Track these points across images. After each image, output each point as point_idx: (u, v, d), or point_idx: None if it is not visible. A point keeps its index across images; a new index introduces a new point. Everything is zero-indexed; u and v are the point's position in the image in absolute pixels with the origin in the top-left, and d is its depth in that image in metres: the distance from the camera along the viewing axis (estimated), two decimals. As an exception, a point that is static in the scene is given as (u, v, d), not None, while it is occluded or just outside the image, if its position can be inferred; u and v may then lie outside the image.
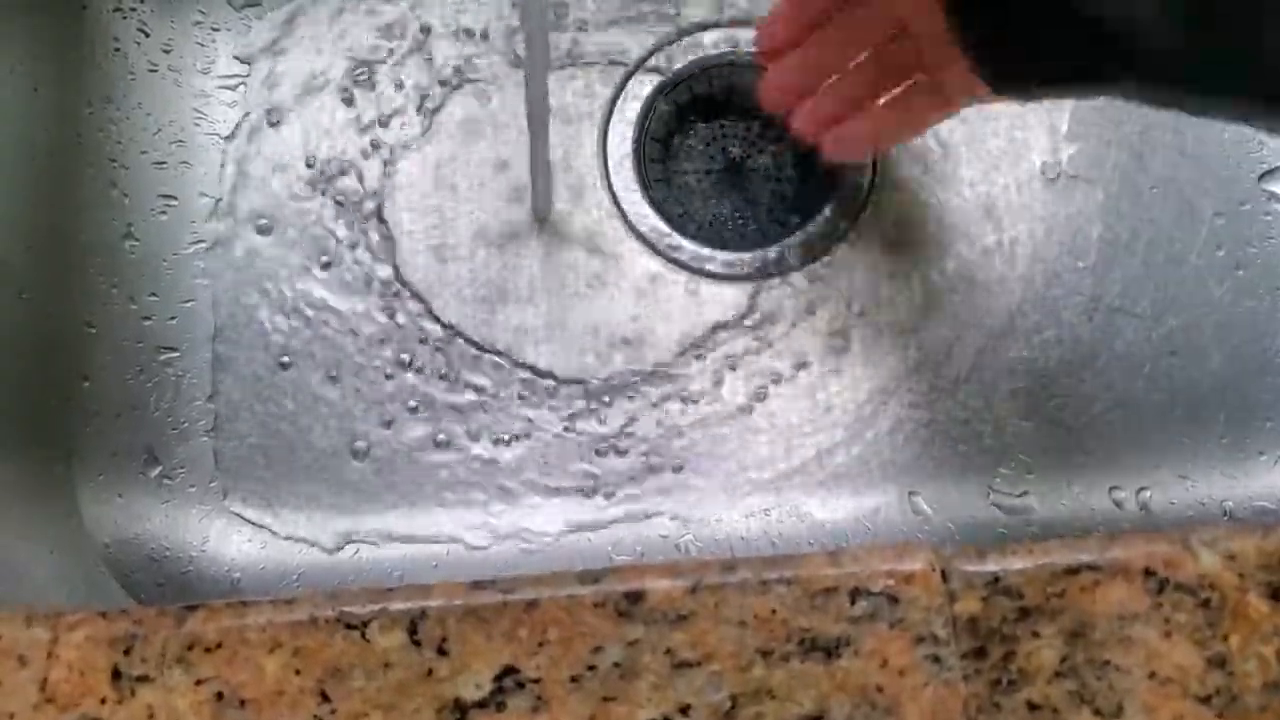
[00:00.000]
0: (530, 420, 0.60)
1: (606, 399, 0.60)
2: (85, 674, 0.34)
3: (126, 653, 0.34)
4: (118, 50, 0.62)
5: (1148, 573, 0.34)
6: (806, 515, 0.59)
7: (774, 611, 0.34)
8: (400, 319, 0.61)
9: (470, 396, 0.61)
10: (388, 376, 0.61)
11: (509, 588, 0.34)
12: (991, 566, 0.34)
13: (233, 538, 0.60)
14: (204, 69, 0.64)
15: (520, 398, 0.60)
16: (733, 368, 0.61)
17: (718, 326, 0.61)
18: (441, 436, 0.60)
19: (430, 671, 0.34)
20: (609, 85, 0.64)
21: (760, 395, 0.60)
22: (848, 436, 0.60)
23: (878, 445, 0.60)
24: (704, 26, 0.64)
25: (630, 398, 0.60)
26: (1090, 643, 0.34)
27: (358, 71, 0.64)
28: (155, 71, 0.63)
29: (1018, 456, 0.60)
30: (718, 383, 0.60)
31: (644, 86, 0.63)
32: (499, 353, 0.61)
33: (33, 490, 0.55)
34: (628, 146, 0.63)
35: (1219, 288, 0.61)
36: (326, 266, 0.62)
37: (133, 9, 0.63)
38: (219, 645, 0.34)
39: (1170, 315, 0.61)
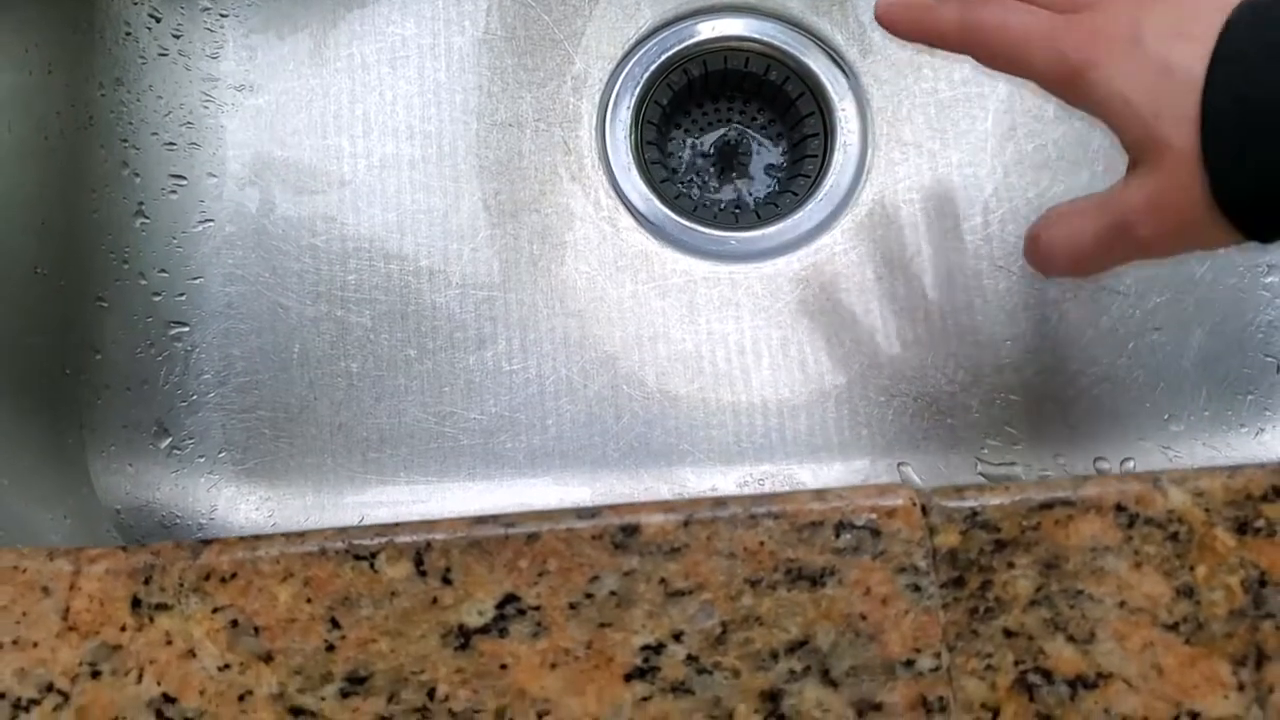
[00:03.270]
0: (529, 396, 0.62)
1: (599, 375, 0.62)
2: (105, 603, 0.35)
3: (145, 583, 0.35)
4: (129, 35, 0.64)
5: (1119, 508, 0.36)
6: (799, 485, 0.61)
7: (762, 544, 0.35)
8: (407, 294, 0.63)
9: (475, 376, 0.62)
10: (395, 350, 0.62)
11: (510, 522, 0.36)
12: (969, 502, 0.36)
13: (240, 506, 0.61)
14: (213, 54, 0.66)
15: (517, 372, 0.62)
16: (726, 342, 0.62)
17: (710, 302, 0.62)
18: (448, 410, 0.62)
19: (435, 600, 0.35)
20: (606, 68, 0.65)
21: (753, 369, 0.62)
22: (838, 409, 0.62)
23: (869, 417, 0.62)
24: (702, 11, 0.66)
25: (626, 370, 0.62)
26: (1064, 573, 0.35)
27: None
28: (165, 56, 0.65)
29: (1005, 428, 0.62)
30: (712, 356, 0.62)
31: (641, 69, 0.65)
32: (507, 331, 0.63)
33: (47, 460, 0.57)
34: (625, 128, 0.64)
35: (1200, 266, 0.63)
36: (334, 243, 0.63)
37: (144, -5, 0.64)
38: (233, 575, 0.35)
39: (1153, 293, 0.63)
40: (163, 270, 0.63)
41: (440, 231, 0.64)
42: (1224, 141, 0.37)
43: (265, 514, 0.61)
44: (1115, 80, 0.39)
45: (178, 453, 0.61)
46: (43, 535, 0.53)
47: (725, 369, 0.62)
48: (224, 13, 0.66)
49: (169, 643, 0.35)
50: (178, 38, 0.65)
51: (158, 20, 0.65)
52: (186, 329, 0.63)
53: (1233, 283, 0.63)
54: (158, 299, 0.62)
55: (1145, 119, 0.39)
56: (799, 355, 0.62)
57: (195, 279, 0.63)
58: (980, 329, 0.62)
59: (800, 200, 0.64)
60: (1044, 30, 0.42)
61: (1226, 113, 0.37)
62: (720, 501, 0.36)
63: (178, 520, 0.60)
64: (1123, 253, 0.43)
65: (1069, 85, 0.42)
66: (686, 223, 0.64)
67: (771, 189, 0.66)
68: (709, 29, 0.66)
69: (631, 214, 0.64)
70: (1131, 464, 0.61)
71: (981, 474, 0.61)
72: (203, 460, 0.62)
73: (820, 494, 0.36)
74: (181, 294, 0.63)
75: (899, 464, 0.61)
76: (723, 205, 0.66)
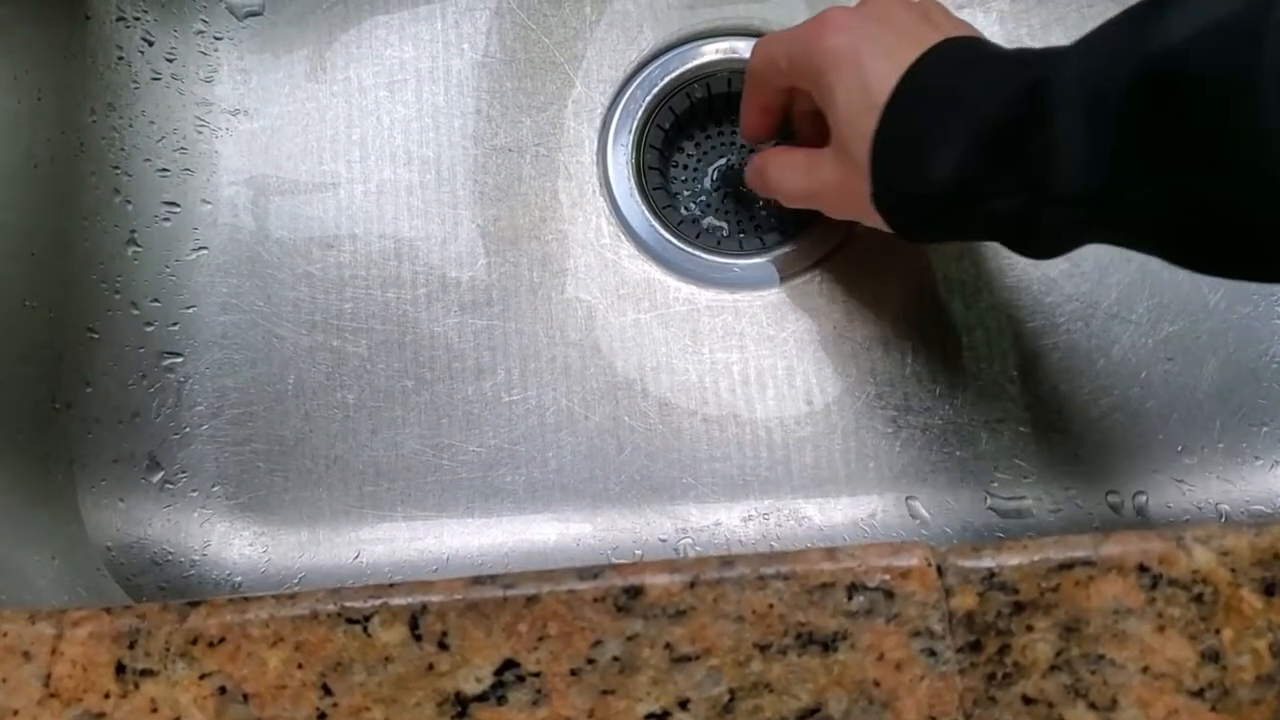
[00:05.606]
0: (529, 428, 0.61)
1: (601, 406, 0.61)
2: (89, 669, 0.34)
3: (130, 647, 0.34)
4: (121, 59, 0.63)
5: (1141, 568, 0.35)
6: (805, 519, 0.60)
7: (771, 606, 0.34)
8: (405, 323, 0.62)
9: (474, 408, 0.61)
10: (392, 381, 0.61)
11: (509, 583, 0.35)
12: (986, 562, 0.35)
13: (234, 542, 0.60)
14: (206, 78, 0.65)
15: (517, 403, 0.61)
16: (730, 372, 0.61)
17: (714, 331, 0.61)
18: (446, 443, 0.60)
19: (431, 665, 0.34)
20: (608, 91, 0.64)
21: (757, 399, 0.61)
22: (845, 441, 0.60)
23: (875, 449, 0.60)
24: (705, 33, 0.64)
25: (628, 401, 0.61)
26: (1084, 637, 0.34)
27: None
28: (159, 80, 0.64)
29: (1015, 461, 0.60)
30: (715, 386, 0.61)
31: (643, 92, 0.64)
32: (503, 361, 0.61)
33: (35, 495, 0.56)
34: (626, 153, 0.63)
35: (1214, 294, 0.62)
36: (330, 271, 0.62)
37: (136, 18, 0.63)
38: (222, 640, 0.34)
39: (1166, 321, 0.62)
40: (155, 300, 0.61)
41: (438, 259, 0.62)
42: (879, 170, 0.47)
43: (259, 550, 0.60)
44: (836, 89, 0.48)
45: (170, 487, 0.60)
46: (29, 576, 0.52)
47: (729, 400, 0.61)
48: (218, 35, 0.65)
49: (154, 710, 0.34)
50: (171, 61, 0.64)
51: (150, 44, 0.63)
52: (179, 360, 0.61)
53: (1247, 311, 0.62)
54: (150, 329, 0.61)
55: (842, 126, 0.48)
56: (804, 386, 0.61)
57: (188, 308, 0.62)
58: (988, 359, 0.61)
59: (805, 225, 0.63)
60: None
61: (885, 146, 0.46)
62: (728, 561, 0.35)
63: (169, 557, 0.59)
64: (817, 206, 0.55)
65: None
66: (689, 249, 0.62)
67: (775, 212, 0.64)
68: (712, 51, 0.64)
69: (633, 241, 0.62)
70: (1144, 498, 0.60)
71: (991, 508, 0.60)
72: (195, 495, 0.60)
73: (831, 553, 0.35)
74: (174, 324, 0.62)
75: (907, 497, 0.60)
76: (726, 231, 0.64)
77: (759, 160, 0.58)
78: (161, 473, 0.60)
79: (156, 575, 0.58)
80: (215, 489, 0.60)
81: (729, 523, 0.60)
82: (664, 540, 0.59)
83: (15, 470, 0.55)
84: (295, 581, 0.59)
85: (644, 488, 0.60)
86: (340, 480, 0.60)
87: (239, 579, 0.59)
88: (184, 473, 0.60)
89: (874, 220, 0.49)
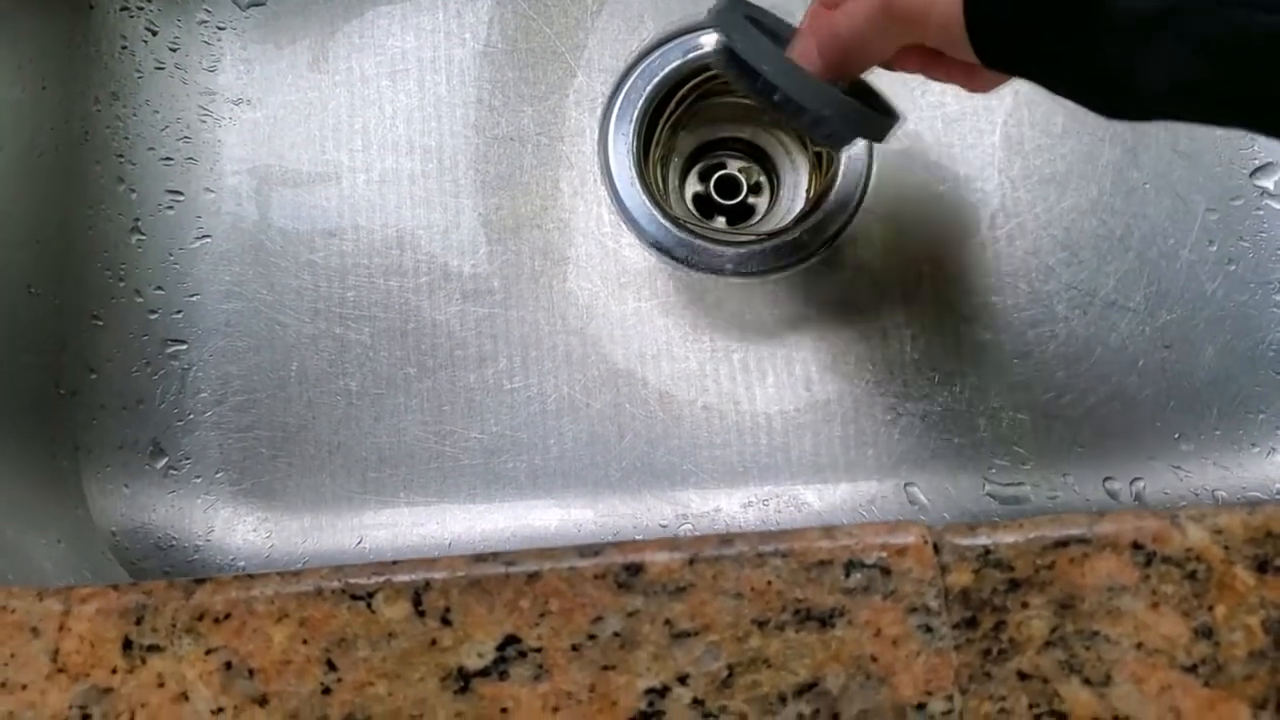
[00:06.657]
0: (531, 415, 0.61)
1: (602, 394, 0.61)
2: (96, 645, 0.35)
3: (137, 623, 0.35)
4: (125, 48, 0.63)
5: (1136, 546, 0.35)
6: (804, 505, 0.60)
7: (770, 583, 0.35)
8: (407, 310, 0.62)
9: (476, 395, 0.61)
10: (395, 368, 0.61)
11: (511, 560, 0.35)
12: (982, 540, 0.35)
13: (237, 528, 0.60)
14: (210, 67, 0.65)
15: (519, 390, 0.61)
16: (730, 359, 0.61)
17: (714, 319, 0.62)
18: (449, 430, 0.61)
19: (434, 641, 0.34)
20: (609, 81, 0.64)
21: (757, 386, 0.61)
22: (844, 428, 0.61)
23: (874, 436, 0.61)
24: (705, 24, 0.65)
25: (628, 388, 0.61)
26: (1079, 614, 0.34)
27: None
28: (162, 69, 0.64)
29: (1013, 448, 0.61)
30: (715, 374, 0.61)
31: (644, 81, 0.64)
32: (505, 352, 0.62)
33: (41, 481, 0.56)
34: (627, 142, 0.64)
35: (1211, 282, 0.62)
36: (333, 259, 0.63)
37: (140, 8, 0.63)
38: (227, 616, 0.35)
39: (1163, 309, 0.62)
40: (159, 287, 0.62)
41: (440, 247, 0.63)
42: None
43: (263, 535, 0.60)
44: None
45: (174, 473, 0.61)
46: (35, 561, 0.52)
47: (729, 387, 0.61)
48: (221, 25, 0.65)
49: (161, 685, 0.34)
50: (174, 51, 0.64)
51: (154, 33, 0.64)
52: (184, 347, 0.62)
53: (1243, 299, 0.62)
54: (154, 317, 0.62)
55: None
56: (803, 373, 0.61)
57: (192, 296, 0.62)
58: (987, 346, 0.61)
59: (805, 214, 0.63)
60: None
61: None
62: (727, 539, 0.35)
63: (174, 542, 0.59)
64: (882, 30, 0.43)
65: None
66: (689, 238, 0.63)
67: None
68: (713, 41, 0.65)
69: (634, 230, 0.63)
70: (1141, 484, 0.60)
71: (990, 494, 0.60)
72: (199, 481, 0.61)
73: (829, 531, 0.35)
74: (178, 311, 0.62)
75: (905, 484, 0.60)
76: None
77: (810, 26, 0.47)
78: (166, 459, 0.61)
79: (161, 560, 0.59)
80: (219, 475, 0.61)
81: (729, 509, 0.60)
82: (664, 526, 0.60)
83: (21, 456, 0.55)
84: (298, 566, 0.59)
85: (645, 474, 0.61)
86: (343, 466, 0.61)
87: (242, 564, 0.60)
88: (188, 459, 0.61)
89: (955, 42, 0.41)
